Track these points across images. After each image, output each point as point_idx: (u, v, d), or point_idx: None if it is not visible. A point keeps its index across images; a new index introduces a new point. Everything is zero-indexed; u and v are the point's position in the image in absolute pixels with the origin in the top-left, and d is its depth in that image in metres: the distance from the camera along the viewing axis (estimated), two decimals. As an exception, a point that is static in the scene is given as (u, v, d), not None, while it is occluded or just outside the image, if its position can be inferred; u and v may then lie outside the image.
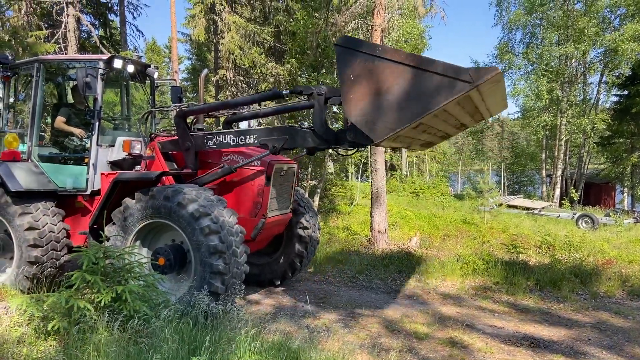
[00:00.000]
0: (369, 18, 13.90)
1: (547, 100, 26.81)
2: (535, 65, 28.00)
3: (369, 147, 12.00)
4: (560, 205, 25.86)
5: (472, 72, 3.40)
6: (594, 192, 29.13)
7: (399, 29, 17.64)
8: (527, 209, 20.32)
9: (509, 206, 20.07)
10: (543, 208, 21.00)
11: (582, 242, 11.17)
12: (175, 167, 6.40)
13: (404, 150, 39.36)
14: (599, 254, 10.26)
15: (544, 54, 26.99)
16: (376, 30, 11.11)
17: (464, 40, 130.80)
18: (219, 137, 5.88)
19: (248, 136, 5.71)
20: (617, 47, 23.86)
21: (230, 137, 5.79)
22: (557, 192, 27.73)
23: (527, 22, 29.15)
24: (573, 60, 27.83)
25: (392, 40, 17.93)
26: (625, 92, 27.33)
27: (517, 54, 30.05)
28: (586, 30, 25.03)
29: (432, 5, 13.31)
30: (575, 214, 18.14)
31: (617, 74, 26.16)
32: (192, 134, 6.04)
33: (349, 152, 6.38)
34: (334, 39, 14.52)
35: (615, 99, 28.98)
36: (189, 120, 6.28)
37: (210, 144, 5.94)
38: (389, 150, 36.77)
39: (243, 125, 6.89)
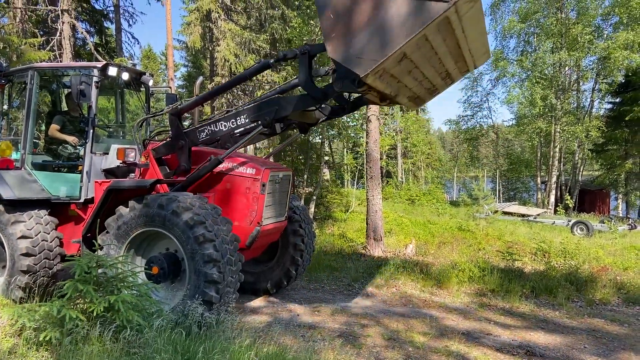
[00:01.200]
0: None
1: (541, 108, 26.98)
2: (529, 72, 28.20)
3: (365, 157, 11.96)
4: (555, 212, 25.96)
5: None
6: (588, 199, 29.27)
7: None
8: (523, 215, 20.39)
9: (504, 213, 20.15)
10: (538, 215, 21.07)
11: (577, 249, 11.19)
12: (169, 171, 6.33)
13: (399, 157, 39.45)
14: (594, 261, 10.28)
15: (538, 61, 27.20)
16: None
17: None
18: (211, 126, 5.86)
19: (239, 118, 5.67)
20: (610, 55, 24.09)
21: (222, 124, 5.77)
22: (552, 198, 27.84)
23: (521, 30, 29.39)
24: (567, 68, 28.06)
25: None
26: (619, 100, 27.59)
27: (511, 61, 30.27)
28: (579, 38, 25.27)
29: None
30: (570, 221, 18.21)
31: (610, 82, 26.39)
32: (185, 131, 6.02)
33: (340, 114, 6.23)
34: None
35: (609, 106, 29.26)
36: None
37: (203, 136, 5.92)
38: (384, 156, 36.86)
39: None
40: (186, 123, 7.47)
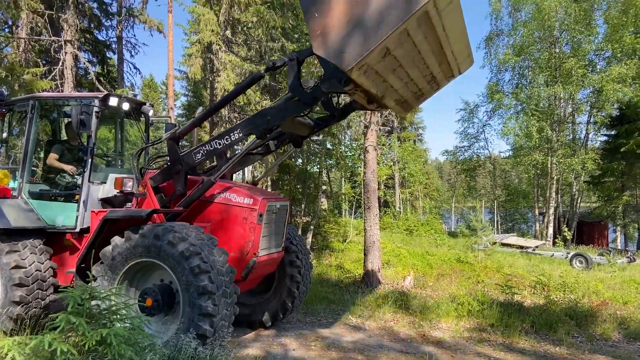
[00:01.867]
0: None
1: (537, 140, 27.23)
2: (524, 105, 28.59)
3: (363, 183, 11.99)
4: (554, 243, 25.85)
5: None
6: (586, 231, 29.20)
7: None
8: (521, 247, 20.29)
9: (503, 244, 20.05)
10: (537, 247, 20.97)
11: (576, 282, 11.10)
12: (165, 198, 6.31)
13: (397, 186, 39.55)
14: (593, 295, 10.18)
15: (533, 94, 27.62)
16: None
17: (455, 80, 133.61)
18: (205, 147, 5.89)
19: (232, 133, 5.68)
20: (602, 88, 24.49)
21: (216, 142, 5.79)
22: (550, 230, 27.77)
23: (515, 63, 29.95)
24: (562, 101, 28.48)
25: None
26: (614, 132, 27.90)
27: (506, 93, 30.73)
28: (573, 72, 25.74)
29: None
30: (569, 253, 18.12)
31: (605, 114, 26.75)
32: (181, 154, 6.03)
33: (330, 122, 6.28)
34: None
35: (605, 138, 29.56)
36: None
37: (199, 157, 5.93)
38: (382, 186, 36.93)
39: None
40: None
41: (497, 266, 13.70)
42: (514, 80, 31.20)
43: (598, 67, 27.64)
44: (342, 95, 5.55)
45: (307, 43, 18.21)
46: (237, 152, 6.93)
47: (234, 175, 8.03)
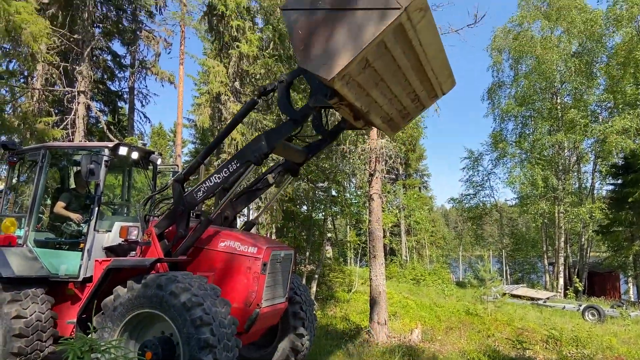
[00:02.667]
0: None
1: (542, 189, 27.18)
2: (528, 154, 28.76)
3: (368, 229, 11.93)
4: (565, 295, 25.23)
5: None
6: (598, 282, 28.53)
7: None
8: (532, 299, 19.82)
9: (513, 296, 19.61)
10: (548, 298, 20.48)
11: (589, 336, 10.73)
12: (168, 243, 6.24)
13: (403, 234, 39.19)
14: (607, 350, 9.81)
15: (537, 143, 27.83)
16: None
17: (458, 128, 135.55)
18: (205, 183, 5.86)
19: (230, 165, 5.68)
20: (606, 139, 24.66)
21: (215, 177, 5.78)
22: (561, 281, 27.18)
23: (518, 113, 30.39)
24: (566, 150, 28.64)
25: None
26: (620, 181, 27.81)
27: (510, 142, 30.99)
28: (576, 122, 26.03)
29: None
30: (580, 306, 17.64)
31: (610, 164, 26.79)
32: (184, 195, 6.01)
33: (322, 146, 6.32)
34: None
35: (611, 187, 29.45)
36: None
37: (200, 195, 5.90)
38: (387, 234, 36.62)
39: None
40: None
41: (508, 319, 13.32)
42: (517, 129, 31.59)
43: (600, 117, 27.97)
44: (332, 117, 5.69)
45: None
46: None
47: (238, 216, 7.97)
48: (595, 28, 26.61)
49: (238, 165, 5.66)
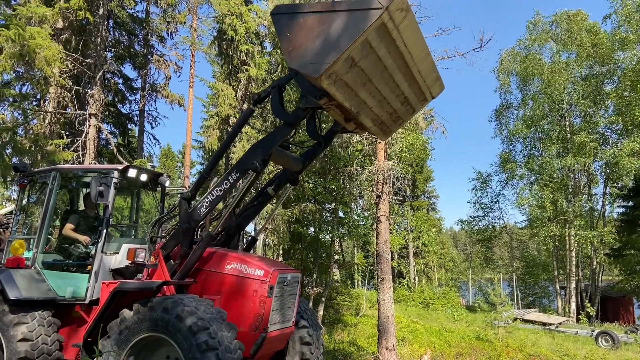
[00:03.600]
0: (374, 131, 14.55)
1: (551, 211, 26.91)
2: (537, 175, 28.57)
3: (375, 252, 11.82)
4: (578, 320, 24.71)
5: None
6: (611, 306, 27.95)
7: (401, 141, 18.43)
8: (544, 324, 19.45)
9: (524, 321, 19.25)
10: (560, 323, 20.09)
11: (604, 363, 10.45)
12: (174, 263, 6.20)
13: (411, 256, 38.83)
14: (624, 378, 9.53)
15: (546, 165, 27.68)
16: (380, 142, 11.59)
17: (466, 148, 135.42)
18: (207, 198, 5.84)
19: (230, 176, 5.69)
20: (618, 162, 24.45)
21: (217, 190, 5.76)
22: (573, 306, 26.66)
23: (526, 135, 30.31)
24: (575, 172, 28.43)
25: (396, 151, 18.66)
26: (630, 204, 27.48)
27: (519, 164, 30.84)
28: (585, 145, 25.91)
29: (432, 119, 14.00)
30: (594, 331, 17.25)
31: (620, 186, 26.52)
32: (189, 212, 5.97)
33: (319, 152, 6.34)
34: (340, 149, 15.11)
35: (621, 210, 29.10)
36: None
37: (204, 210, 5.86)
38: (396, 256, 36.30)
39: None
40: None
41: (519, 345, 13.03)
42: (526, 150, 31.47)
43: (610, 140, 27.84)
44: (325, 124, 5.77)
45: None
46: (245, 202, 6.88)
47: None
48: (604, 51, 26.72)
49: (238, 175, 5.69)
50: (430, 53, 5.15)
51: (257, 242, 22.82)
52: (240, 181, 5.94)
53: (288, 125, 5.48)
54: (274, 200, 8.48)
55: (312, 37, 4.47)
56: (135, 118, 19.35)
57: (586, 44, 27.18)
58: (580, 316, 25.13)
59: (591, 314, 24.83)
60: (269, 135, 5.75)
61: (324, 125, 6.07)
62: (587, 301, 26.80)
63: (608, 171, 27.26)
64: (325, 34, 4.39)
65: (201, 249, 5.80)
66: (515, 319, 17.75)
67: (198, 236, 6.25)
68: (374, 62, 4.70)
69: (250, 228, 18.17)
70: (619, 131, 27.79)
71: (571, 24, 28.08)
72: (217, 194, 5.81)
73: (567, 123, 28.63)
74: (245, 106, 17.52)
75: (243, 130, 17.18)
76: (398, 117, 5.81)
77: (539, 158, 29.51)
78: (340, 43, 4.26)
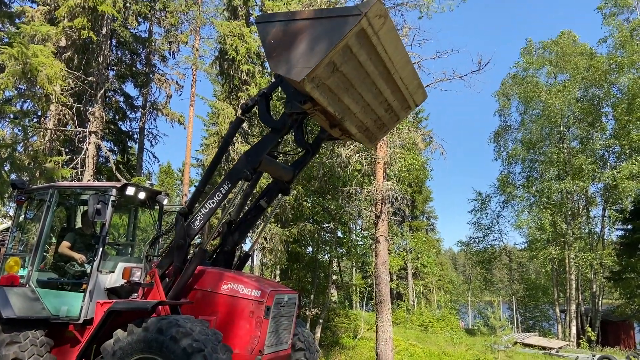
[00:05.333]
0: (372, 151, 14.64)
1: (551, 233, 26.84)
2: (536, 197, 28.58)
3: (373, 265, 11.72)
4: (578, 344, 24.41)
5: (360, 5, 4.18)
6: (611, 331, 27.64)
7: (400, 161, 18.49)
8: (544, 348, 19.20)
9: (524, 345, 19.01)
10: (560, 348, 19.85)
11: (606, 389, 10.27)
12: (169, 280, 6.11)
13: (410, 278, 38.51)
14: (626, 405, 9.36)
15: (544, 188, 27.72)
16: (379, 162, 11.62)
17: (465, 169, 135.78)
18: (201, 211, 5.79)
19: (222, 187, 5.65)
20: (617, 184, 24.49)
21: (210, 203, 5.72)
22: (574, 329, 26.36)
23: (525, 157, 30.44)
24: (574, 195, 28.45)
25: (395, 171, 18.70)
26: (630, 227, 27.41)
27: (518, 186, 30.89)
28: (584, 167, 26.00)
29: (431, 140, 14.08)
30: (594, 356, 17.03)
31: (619, 209, 26.50)
32: (185, 226, 5.90)
33: (308, 159, 6.34)
34: (339, 169, 15.13)
35: (620, 232, 29.02)
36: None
37: (197, 224, 5.80)
38: (394, 277, 36.01)
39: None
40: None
41: (519, 369, 12.85)
42: (525, 172, 31.56)
43: (609, 163, 27.95)
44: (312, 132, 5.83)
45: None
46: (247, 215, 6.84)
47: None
48: (598, 74, 27.08)
49: (230, 185, 5.66)
50: (410, 61, 5.30)
51: (255, 262, 22.72)
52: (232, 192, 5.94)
53: (275, 132, 5.55)
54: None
55: (295, 43, 4.62)
56: (135, 136, 19.44)
57: (580, 66, 27.56)
58: (580, 340, 24.84)
59: (592, 338, 24.54)
60: (257, 143, 5.80)
61: (312, 135, 6.11)
62: (587, 325, 26.51)
63: (607, 194, 27.28)
64: (308, 40, 4.54)
65: (194, 265, 5.73)
66: (515, 342, 17.55)
67: (192, 253, 6.20)
68: (356, 68, 4.81)
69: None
70: (617, 153, 27.94)
71: (564, 48, 28.55)
72: (211, 206, 5.77)
73: (565, 146, 28.79)
74: (245, 125, 17.59)
75: (242, 149, 17.23)
76: (383, 124, 5.95)
77: (538, 180, 29.57)
78: (321, 48, 4.40)
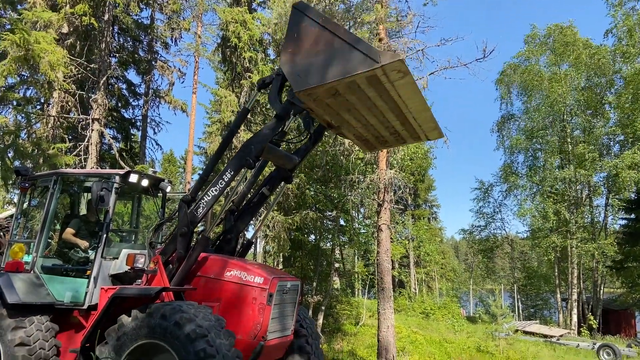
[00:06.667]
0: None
1: (554, 222, 26.82)
2: (540, 186, 28.52)
3: (375, 263, 11.80)
4: (579, 332, 24.55)
5: (381, 54, 3.90)
6: (613, 319, 27.76)
7: (403, 149, 18.43)
8: (545, 336, 19.32)
9: (525, 332, 19.12)
10: (561, 336, 19.94)
11: (606, 377, 10.34)
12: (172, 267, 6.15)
13: (412, 266, 38.66)
14: (626, 393, 9.43)
15: (547, 176, 27.64)
16: (382, 151, 11.58)
17: (469, 158, 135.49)
18: (204, 199, 5.77)
19: (225, 175, 5.62)
20: (619, 174, 24.43)
21: (213, 190, 5.69)
22: (575, 318, 26.48)
23: (528, 147, 30.30)
24: (577, 184, 28.38)
25: (397, 159, 18.65)
26: (632, 216, 27.38)
27: (521, 175, 30.80)
28: (586, 156, 25.89)
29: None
30: (595, 344, 17.11)
31: (622, 198, 26.45)
32: (188, 213, 5.91)
33: (310, 148, 6.30)
34: (341, 157, 15.10)
35: (623, 222, 28.99)
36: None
37: (201, 211, 5.78)
38: (396, 265, 36.14)
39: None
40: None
41: (520, 357, 12.95)
42: (528, 162, 31.45)
43: (612, 151, 27.82)
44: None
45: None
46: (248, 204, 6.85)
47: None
48: (602, 62, 26.80)
49: (232, 173, 5.63)
50: (429, 108, 4.98)
51: (258, 249, 22.84)
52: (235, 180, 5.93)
53: (278, 119, 5.46)
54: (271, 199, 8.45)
55: (312, 51, 4.42)
56: (138, 123, 19.41)
57: (583, 55, 27.28)
58: (581, 329, 24.97)
59: (593, 326, 24.67)
60: (260, 131, 5.73)
61: (317, 122, 6.04)
62: (589, 314, 26.63)
63: (610, 183, 27.20)
64: (323, 56, 4.32)
65: (197, 252, 5.76)
66: (516, 330, 17.66)
67: (195, 240, 6.23)
68: (362, 99, 4.60)
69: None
70: (621, 142, 27.79)
71: (566, 37, 28.24)
72: (213, 194, 5.74)
73: (568, 134, 28.64)
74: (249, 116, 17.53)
75: (245, 137, 17.22)
76: (385, 141, 5.74)
77: (541, 169, 29.48)
78: (328, 73, 4.21)
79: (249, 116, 17.49)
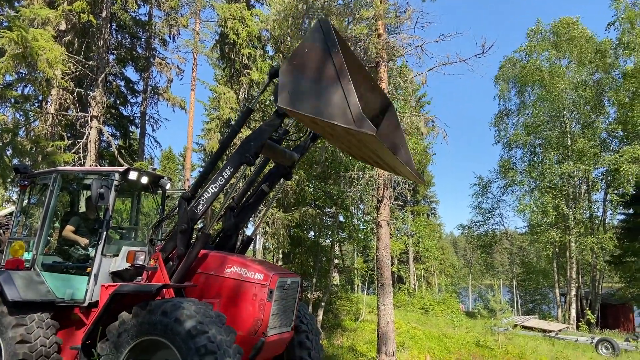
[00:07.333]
0: (375, 136, 14.54)
1: (553, 217, 26.84)
2: (538, 182, 28.54)
3: (375, 261, 11.81)
4: (578, 327, 24.65)
5: (358, 119, 3.72)
6: (611, 314, 27.87)
7: (404, 146, 18.41)
8: (544, 331, 19.41)
9: (524, 327, 19.20)
10: (560, 330, 20.04)
11: (604, 371, 10.40)
12: (172, 263, 6.16)
13: (411, 262, 38.74)
14: (624, 386, 9.49)
15: (546, 172, 27.64)
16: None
17: (467, 155, 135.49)
18: (203, 196, 5.77)
19: (224, 172, 5.62)
20: (619, 168, 24.43)
21: (213, 187, 5.70)
22: (573, 312, 26.59)
23: (526, 142, 30.28)
24: (576, 179, 28.40)
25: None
26: (631, 211, 27.44)
27: (519, 171, 30.79)
28: (585, 151, 25.89)
29: (433, 125, 13.98)
30: (594, 338, 17.20)
31: (621, 193, 26.48)
32: (188, 210, 5.92)
33: (309, 145, 6.37)
34: (341, 153, 15.09)
35: (622, 217, 29.06)
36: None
37: (201, 208, 5.79)
38: (396, 261, 36.22)
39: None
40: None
41: (519, 352, 13.00)
42: (526, 157, 31.43)
43: (611, 146, 27.82)
44: None
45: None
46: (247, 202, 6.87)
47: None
48: (606, 58, 26.74)
49: (232, 170, 5.63)
50: (405, 164, 4.92)
51: (257, 246, 22.84)
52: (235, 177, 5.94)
53: (278, 116, 5.43)
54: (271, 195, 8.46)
55: (310, 75, 4.18)
56: (137, 120, 19.39)
57: (587, 50, 27.20)
58: (580, 323, 25.07)
59: (591, 321, 24.77)
60: (259, 127, 5.71)
61: None
62: (587, 308, 26.73)
63: (609, 178, 27.23)
64: (316, 87, 4.11)
65: (197, 248, 5.77)
66: (515, 325, 17.73)
67: (195, 237, 6.23)
68: (344, 135, 4.39)
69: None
70: (620, 137, 27.79)
71: (572, 32, 28.15)
72: (213, 191, 5.74)
73: (567, 129, 28.64)
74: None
75: (244, 133, 17.19)
76: (377, 163, 5.73)
77: (539, 165, 29.47)
78: (312, 107, 4.03)
79: (247, 113, 17.47)
